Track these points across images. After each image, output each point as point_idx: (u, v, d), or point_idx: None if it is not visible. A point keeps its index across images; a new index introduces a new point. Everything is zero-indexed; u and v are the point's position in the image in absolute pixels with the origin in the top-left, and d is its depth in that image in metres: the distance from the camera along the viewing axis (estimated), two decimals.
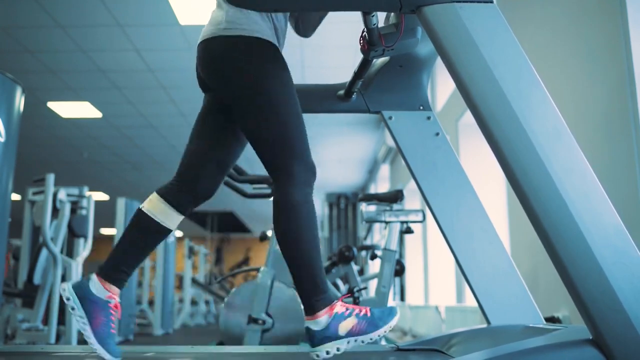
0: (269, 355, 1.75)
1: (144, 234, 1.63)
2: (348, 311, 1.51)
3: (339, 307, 1.51)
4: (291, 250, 1.51)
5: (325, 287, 1.52)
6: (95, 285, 1.56)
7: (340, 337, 1.48)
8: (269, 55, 1.56)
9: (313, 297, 1.50)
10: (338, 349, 1.48)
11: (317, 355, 1.49)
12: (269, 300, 2.94)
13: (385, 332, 1.50)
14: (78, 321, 1.53)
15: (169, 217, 1.63)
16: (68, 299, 1.54)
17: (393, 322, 1.51)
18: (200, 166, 1.65)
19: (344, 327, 1.49)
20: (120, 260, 1.60)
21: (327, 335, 1.48)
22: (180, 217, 1.66)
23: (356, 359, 1.70)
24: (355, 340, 1.49)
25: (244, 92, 1.54)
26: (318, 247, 1.53)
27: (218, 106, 1.68)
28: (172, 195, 1.64)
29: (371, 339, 1.49)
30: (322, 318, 1.49)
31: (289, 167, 1.51)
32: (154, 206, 1.62)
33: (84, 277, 1.63)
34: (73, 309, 1.54)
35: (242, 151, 1.74)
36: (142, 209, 1.63)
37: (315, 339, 1.50)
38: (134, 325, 6.88)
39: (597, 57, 2.66)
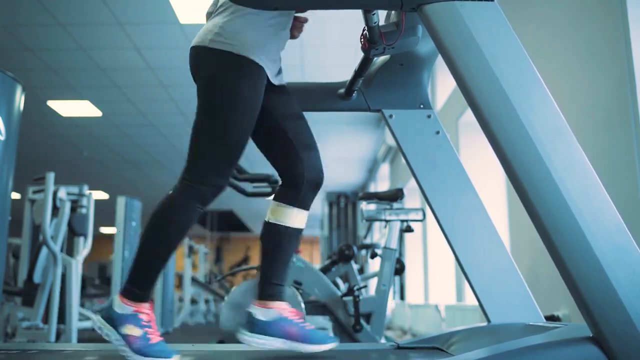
0: (270, 353, 1.75)
1: (277, 242, 1.65)
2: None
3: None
4: (140, 243, 1.55)
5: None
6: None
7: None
8: (245, 76, 1.55)
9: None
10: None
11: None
12: None
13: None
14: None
15: (293, 217, 1.65)
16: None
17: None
18: (281, 158, 1.67)
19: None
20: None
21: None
22: (304, 212, 1.67)
23: (356, 358, 1.70)
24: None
25: (207, 96, 1.56)
26: (155, 253, 1.54)
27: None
28: (285, 195, 1.66)
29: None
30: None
31: (195, 174, 1.54)
32: (276, 212, 1.65)
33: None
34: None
35: (304, 120, 1.72)
36: (269, 221, 1.65)
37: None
38: None
39: (598, 56, 2.66)
